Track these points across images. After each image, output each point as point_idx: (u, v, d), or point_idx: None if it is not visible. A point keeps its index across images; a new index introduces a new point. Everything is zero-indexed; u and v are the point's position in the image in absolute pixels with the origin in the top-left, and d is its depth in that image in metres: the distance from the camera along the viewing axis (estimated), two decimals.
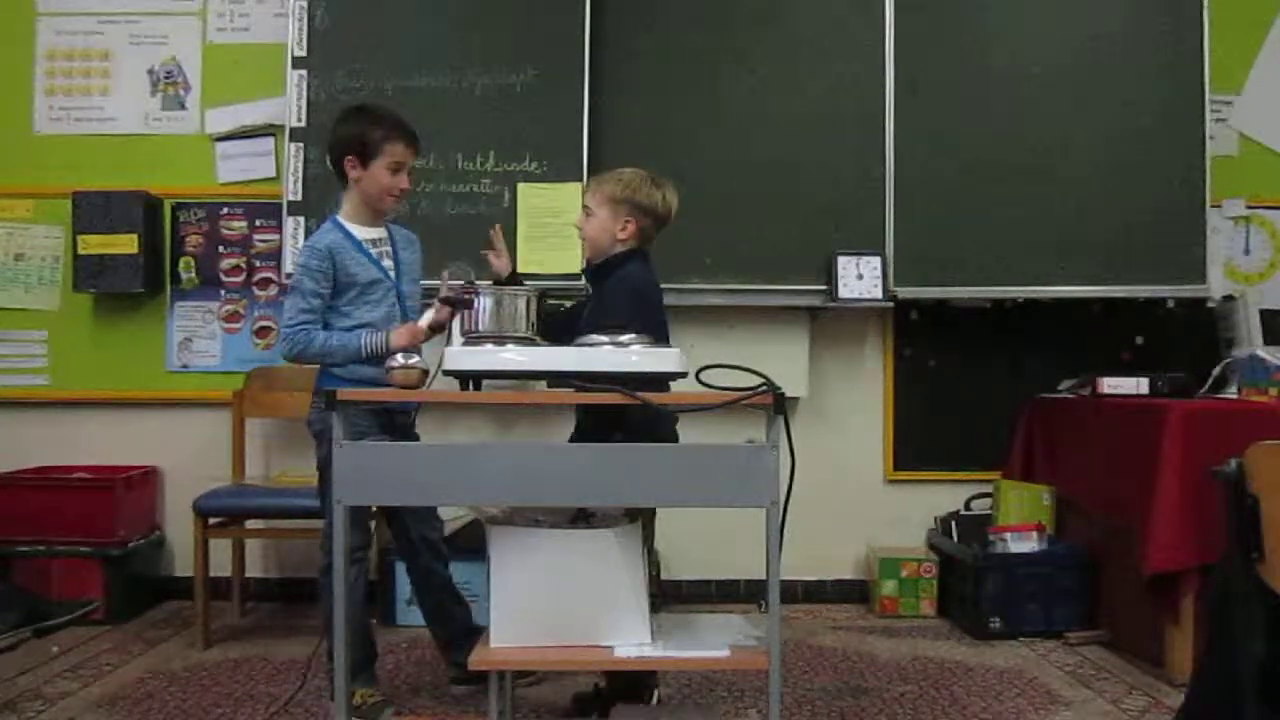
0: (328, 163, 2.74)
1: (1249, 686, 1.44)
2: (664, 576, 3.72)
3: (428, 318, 2.50)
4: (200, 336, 3.85)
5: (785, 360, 3.69)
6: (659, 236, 3.56)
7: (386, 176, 2.62)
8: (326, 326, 2.60)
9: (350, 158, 2.62)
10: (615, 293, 2.51)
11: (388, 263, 2.70)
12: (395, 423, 2.67)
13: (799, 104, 3.70)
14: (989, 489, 3.71)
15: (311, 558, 3.73)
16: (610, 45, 3.67)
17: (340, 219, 2.68)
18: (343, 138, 2.64)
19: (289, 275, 3.62)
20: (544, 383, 2.37)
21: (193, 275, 3.86)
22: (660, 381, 2.19)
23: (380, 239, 2.71)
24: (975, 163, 3.70)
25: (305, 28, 3.64)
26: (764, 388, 2.01)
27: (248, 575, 3.75)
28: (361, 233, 2.67)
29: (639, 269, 2.57)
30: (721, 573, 3.81)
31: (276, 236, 3.78)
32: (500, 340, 2.15)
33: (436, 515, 2.85)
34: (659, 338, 2.49)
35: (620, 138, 3.68)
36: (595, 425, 2.43)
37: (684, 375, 2.12)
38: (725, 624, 2.27)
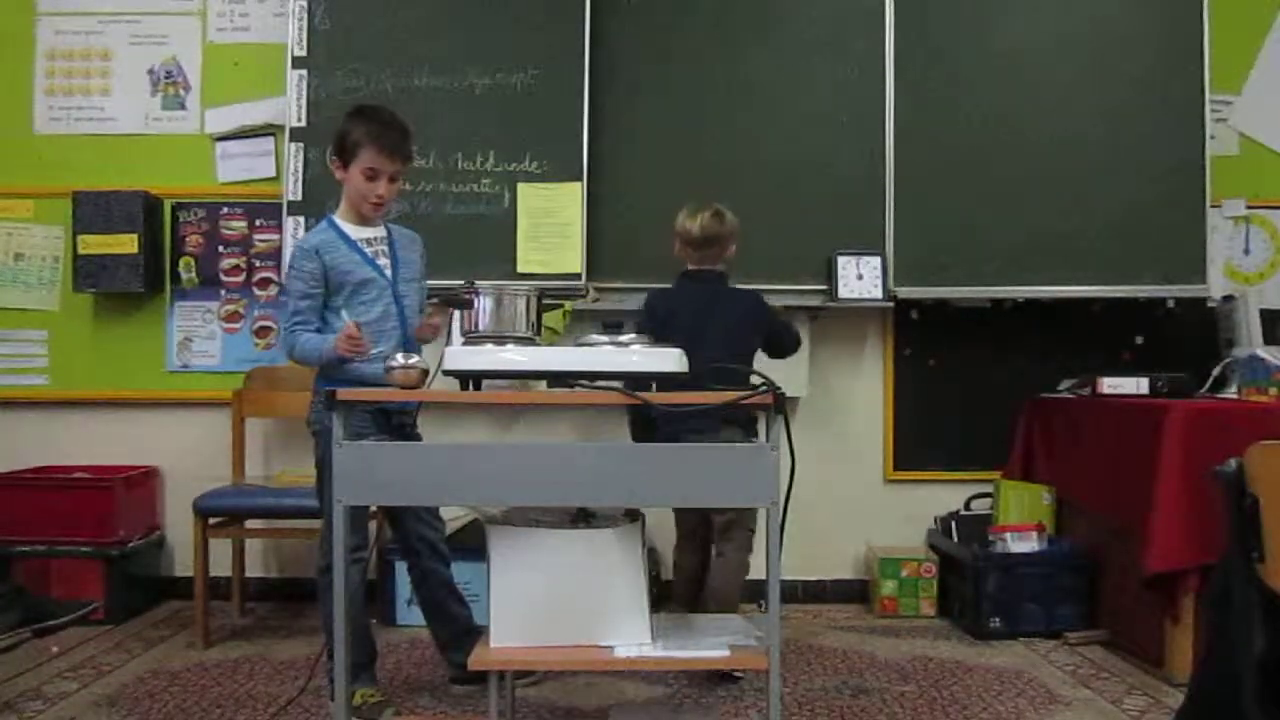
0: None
1: (1249, 686, 1.44)
2: (664, 577, 3.72)
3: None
4: (200, 336, 3.85)
5: (785, 360, 3.68)
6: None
7: (362, 182, 2.60)
8: (326, 325, 2.60)
9: (335, 158, 2.63)
10: None
11: (384, 261, 2.67)
12: (394, 423, 2.67)
13: (799, 104, 3.71)
14: (989, 489, 3.71)
15: (312, 558, 3.74)
16: (610, 45, 3.68)
17: (336, 218, 2.68)
18: (337, 140, 2.63)
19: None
20: (544, 383, 2.38)
21: (193, 275, 3.86)
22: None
23: (377, 238, 2.69)
24: (975, 163, 3.70)
25: (305, 28, 3.64)
26: (764, 388, 2.01)
27: (248, 575, 3.76)
28: (356, 231, 2.65)
29: (663, 289, 3.17)
30: None
31: (276, 236, 3.78)
32: (500, 340, 2.15)
33: (438, 515, 2.85)
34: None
35: (620, 138, 3.68)
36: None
37: (684, 375, 2.12)
38: (725, 624, 2.27)
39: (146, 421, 3.84)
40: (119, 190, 3.71)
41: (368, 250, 2.65)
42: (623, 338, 2.11)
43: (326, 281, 2.59)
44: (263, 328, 3.85)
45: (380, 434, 2.60)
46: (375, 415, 2.60)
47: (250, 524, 3.46)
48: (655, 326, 2.89)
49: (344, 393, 2.08)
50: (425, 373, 2.15)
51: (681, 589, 3.23)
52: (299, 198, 3.63)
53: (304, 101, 3.64)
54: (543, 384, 2.39)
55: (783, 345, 3.26)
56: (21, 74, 3.85)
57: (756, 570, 3.19)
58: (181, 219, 3.86)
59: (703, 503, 2.83)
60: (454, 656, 2.78)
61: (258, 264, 3.86)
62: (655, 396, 2.05)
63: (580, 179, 3.62)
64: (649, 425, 2.94)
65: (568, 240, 3.62)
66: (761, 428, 2.12)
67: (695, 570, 3.21)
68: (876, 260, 3.66)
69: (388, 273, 2.67)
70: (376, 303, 2.63)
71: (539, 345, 2.19)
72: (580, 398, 2.11)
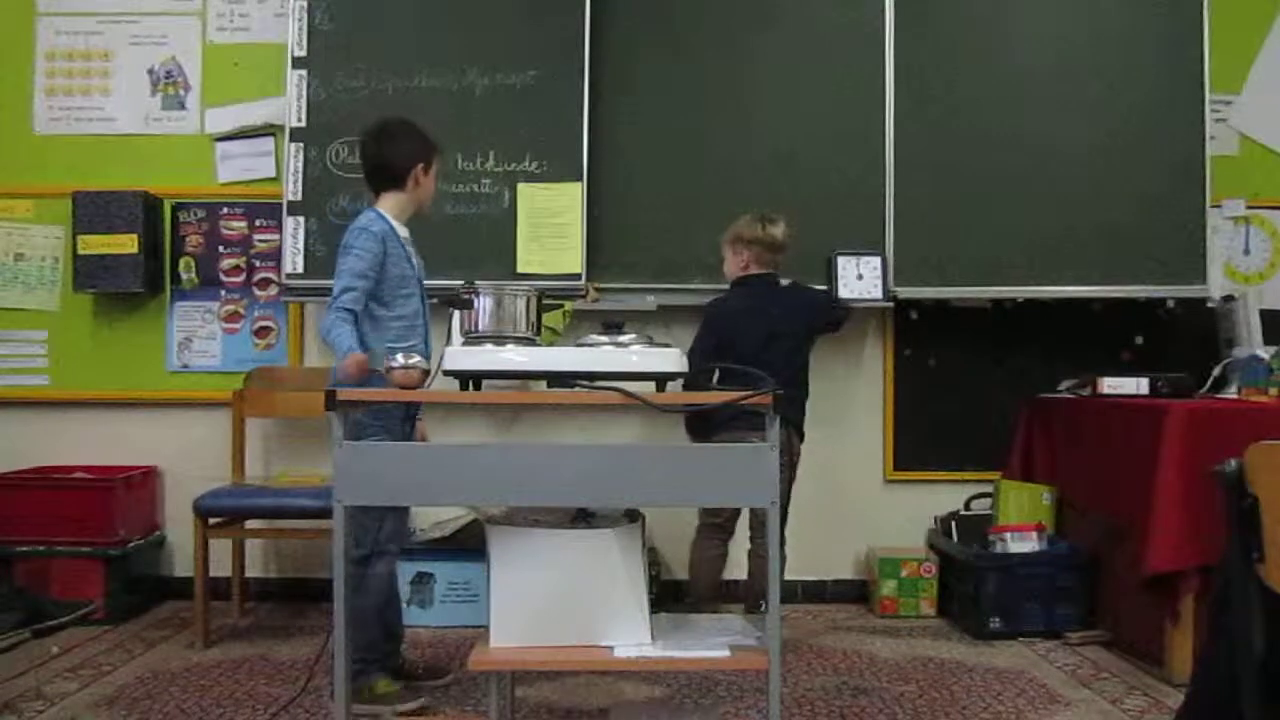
0: (375, 168, 2.76)
1: (1249, 686, 1.44)
2: (665, 577, 3.72)
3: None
4: (200, 336, 3.85)
5: None
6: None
7: (435, 183, 2.85)
8: (371, 318, 2.66)
9: (422, 165, 2.77)
10: (707, 312, 3.27)
11: (416, 260, 2.79)
12: (411, 422, 2.77)
13: (799, 104, 3.71)
14: (989, 489, 3.71)
15: (311, 558, 3.75)
16: (610, 45, 3.68)
17: (383, 212, 2.74)
18: (416, 149, 2.77)
19: (290, 275, 3.63)
20: (544, 383, 2.38)
21: (193, 275, 3.86)
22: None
23: (409, 238, 2.80)
24: (975, 163, 3.70)
25: (305, 28, 3.64)
26: (764, 388, 2.01)
27: (248, 575, 3.76)
28: (399, 229, 2.76)
29: (723, 298, 3.27)
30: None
31: (276, 236, 3.78)
32: (500, 340, 2.15)
33: (408, 531, 2.93)
34: (724, 354, 2.95)
35: (620, 138, 3.68)
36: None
37: (684, 375, 2.12)
38: (725, 624, 2.27)
39: (146, 421, 3.84)
40: (119, 190, 3.71)
41: (408, 248, 2.76)
42: (623, 338, 2.11)
43: (381, 272, 2.66)
44: (263, 328, 3.85)
45: (406, 431, 2.71)
46: (401, 413, 2.69)
47: (250, 524, 3.46)
48: (720, 336, 3.13)
49: (344, 392, 2.08)
50: (426, 373, 2.15)
51: (706, 581, 3.23)
52: (299, 198, 3.63)
53: (304, 101, 3.64)
54: (543, 384, 2.39)
55: (837, 321, 3.46)
56: (21, 74, 3.85)
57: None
58: (181, 219, 3.86)
59: (703, 502, 2.83)
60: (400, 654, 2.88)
61: (258, 264, 3.86)
62: (654, 396, 2.05)
63: (580, 179, 3.62)
64: (705, 424, 3.12)
65: (568, 240, 3.62)
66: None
67: (719, 563, 3.23)
68: (876, 260, 3.66)
69: (419, 271, 2.80)
70: (411, 299, 2.73)
71: (539, 345, 2.19)
72: (580, 398, 2.11)
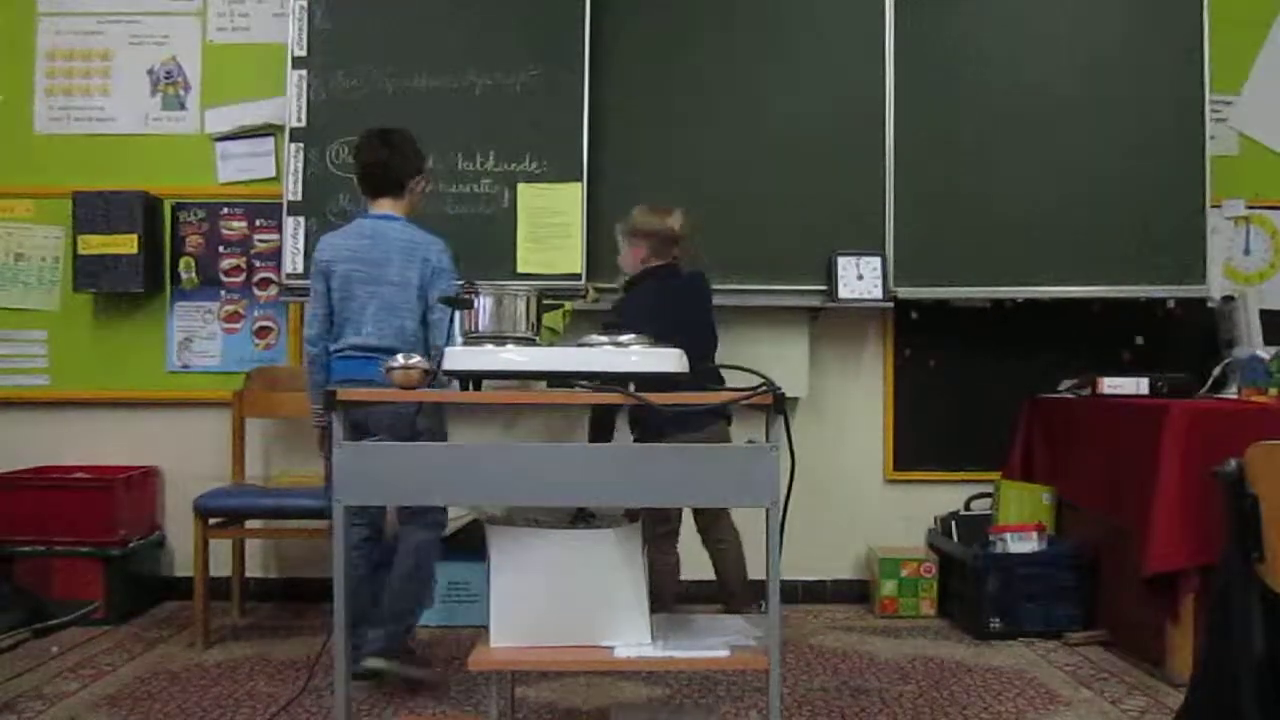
0: (383, 171, 2.87)
1: (1249, 686, 1.44)
2: None
3: None
4: (200, 336, 3.85)
5: (785, 360, 3.69)
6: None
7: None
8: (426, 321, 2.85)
9: (421, 178, 2.95)
10: (618, 310, 3.13)
11: None
12: None
13: (799, 105, 3.71)
14: (989, 489, 3.71)
15: (311, 558, 3.75)
16: (610, 45, 3.68)
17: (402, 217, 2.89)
18: (419, 161, 2.93)
19: (290, 275, 3.63)
20: (544, 383, 2.38)
21: (193, 275, 3.86)
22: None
23: None
24: (975, 163, 3.70)
25: (305, 28, 3.64)
26: (764, 388, 2.01)
27: (248, 575, 3.76)
28: None
29: (637, 296, 3.09)
30: None
31: (276, 236, 3.78)
32: (500, 340, 2.15)
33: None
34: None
35: (620, 138, 3.68)
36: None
37: (684, 375, 2.12)
38: (725, 624, 2.27)
39: (146, 421, 3.84)
40: (119, 190, 3.71)
41: None
42: (623, 338, 2.11)
43: None
44: (263, 328, 3.85)
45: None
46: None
47: (250, 524, 3.46)
48: (641, 324, 2.88)
49: (344, 393, 2.08)
50: (425, 373, 2.15)
51: (667, 587, 3.16)
52: (299, 198, 3.63)
53: (304, 101, 3.64)
54: (543, 384, 2.39)
55: None
56: (21, 74, 3.85)
57: (757, 570, 3.20)
58: (181, 219, 3.86)
59: (703, 503, 2.83)
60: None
61: (258, 264, 3.86)
62: (656, 396, 2.05)
63: (580, 179, 3.62)
64: (611, 427, 3.03)
65: (568, 240, 3.62)
66: (761, 427, 2.12)
67: (677, 569, 3.17)
68: (876, 260, 3.65)
69: None
70: None
71: (539, 345, 2.19)
72: (580, 398, 2.11)
